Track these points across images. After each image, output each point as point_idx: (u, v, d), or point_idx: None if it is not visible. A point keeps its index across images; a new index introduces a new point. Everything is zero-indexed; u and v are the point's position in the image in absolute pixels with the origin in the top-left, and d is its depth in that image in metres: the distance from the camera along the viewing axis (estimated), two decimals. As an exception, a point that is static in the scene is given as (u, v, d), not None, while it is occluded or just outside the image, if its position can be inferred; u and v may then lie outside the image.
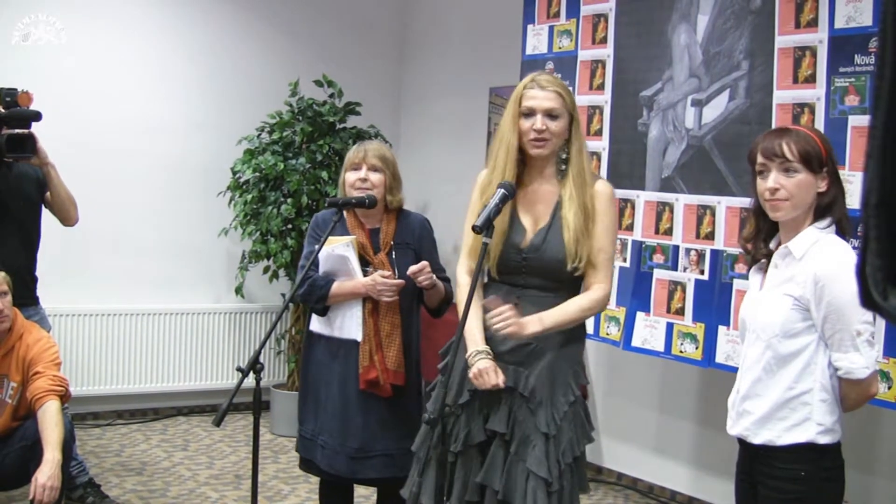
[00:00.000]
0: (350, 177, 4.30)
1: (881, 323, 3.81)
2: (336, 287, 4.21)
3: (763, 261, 3.27)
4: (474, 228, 3.32)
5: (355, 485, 4.52)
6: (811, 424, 3.05)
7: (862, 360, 2.98)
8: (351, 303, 4.23)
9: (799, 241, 3.09)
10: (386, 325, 4.23)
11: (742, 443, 3.27)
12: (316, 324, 4.34)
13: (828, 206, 3.09)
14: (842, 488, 3.13)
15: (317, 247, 4.16)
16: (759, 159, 3.13)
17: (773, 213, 3.13)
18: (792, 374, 3.08)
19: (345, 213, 4.27)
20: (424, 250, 4.35)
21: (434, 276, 4.16)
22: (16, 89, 5.12)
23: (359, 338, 4.21)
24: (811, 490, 3.07)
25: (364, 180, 4.25)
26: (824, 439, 3.05)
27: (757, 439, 3.15)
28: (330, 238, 4.18)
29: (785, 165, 3.06)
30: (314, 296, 4.23)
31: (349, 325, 4.24)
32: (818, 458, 3.06)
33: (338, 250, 4.18)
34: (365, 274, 4.21)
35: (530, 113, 3.57)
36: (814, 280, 3.00)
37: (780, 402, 3.10)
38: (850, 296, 2.87)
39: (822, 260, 3.01)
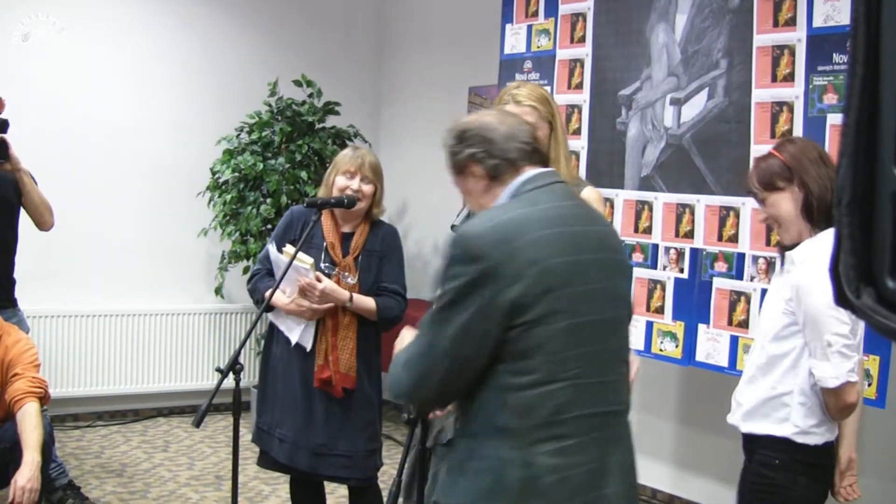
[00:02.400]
0: (341, 182, 4.31)
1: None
2: (275, 299, 4.26)
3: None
4: (453, 228, 3.29)
5: (329, 485, 4.58)
6: (789, 425, 3.18)
7: (831, 370, 3.06)
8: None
9: (799, 249, 3.21)
10: (344, 330, 4.27)
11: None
12: (277, 319, 4.41)
13: (810, 208, 3.20)
14: (823, 490, 3.24)
15: (287, 247, 4.21)
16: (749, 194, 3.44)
17: (779, 238, 3.37)
18: (777, 375, 3.21)
19: (322, 211, 4.32)
20: (388, 259, 4.41)
21: (318, 298, 4.22)
22: None
23: (308, 348, 4.30)
24: (784, 480, 3.20)
25: (357, 191, 4.29)
26: (801, 440, 3.17)
27: (744, 428, 3.33)
28: (299, 254, 4.19)
29: (759, 198, 3.32)
30: (255, 296, 4.38)
31: (300, 331, 4.32)
32: (795, 450, 3.18)
33: (299, 269, 4.18)
34: (328, 273, 4.28)
35: None
36: (796, 286, 3.13)
37: (764, 400, 3.24)
38: (823, 306, 3.03)
39: (805, 268, 3.12)
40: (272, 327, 4.45)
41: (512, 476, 2.38)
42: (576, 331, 2.41)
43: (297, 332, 4.30)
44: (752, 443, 3.31)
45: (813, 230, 3.21)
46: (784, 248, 3.34)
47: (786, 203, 3.23)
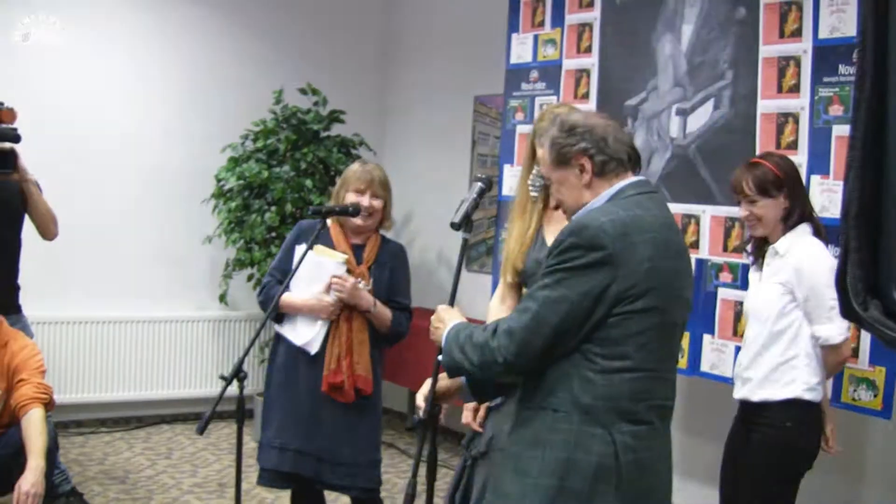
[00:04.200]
0: (352, 199, 4.35)
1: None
2: (287, 298, 4.29)
3: (760, 261, 4.02)
4: (452, 225, 3.26)
5: (330, 497, 4.57)
6: (798, 383, 3.80)
7: (835, 329, 3.75)
8: (318, 316, 4.33)
9: (781, 242, 3.86)
10: (359, 334, 4.29)
11: (743, 403, 4.02)
12: (283, 327, 4.40)
13: (793, 215, 3.84)
14: (818, 438, 3.90)
15: (304, 247, 4.21)
16: (734, 192, 3.97)
17: (751, 232, 4.00)
18: (783, 345, 3.83)
19: (330, 224, 4.35)
20: (397, 274, 4.46)
21: (348, 292, 4.27)
22: (1, 103, 5.08)
23: (313, 351, 4.30)
24: (793, 437, 3.82)
25: (368, 207, 4.34)
26: (808, 395, 3.79)
27: (756, 397, 3.90)
28: (326, 249, 4.29)
29: (749, 198, 3.89)
30: (268, 304, 4.30)
31: (309, 335, 4.33)
32: (801, 412, 3.81)
33: (329, 263, 4.24)
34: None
35: None
36: (795, 268, 3.77)
37: (774, 367, 3.84)
38: (823, 277, 3.68)
39: (799, 253, 3.78)
40: (278, 337, 4.46)
41: (594, 450, 2.66)
42: (662, 328, 2.74)
43: (305, 335, 4.31)
44: (761, 410, 3.88)
45: (786, 229, 3.85)
46: (760, 242, 3.99)
47: (773, 209, 3.85)
